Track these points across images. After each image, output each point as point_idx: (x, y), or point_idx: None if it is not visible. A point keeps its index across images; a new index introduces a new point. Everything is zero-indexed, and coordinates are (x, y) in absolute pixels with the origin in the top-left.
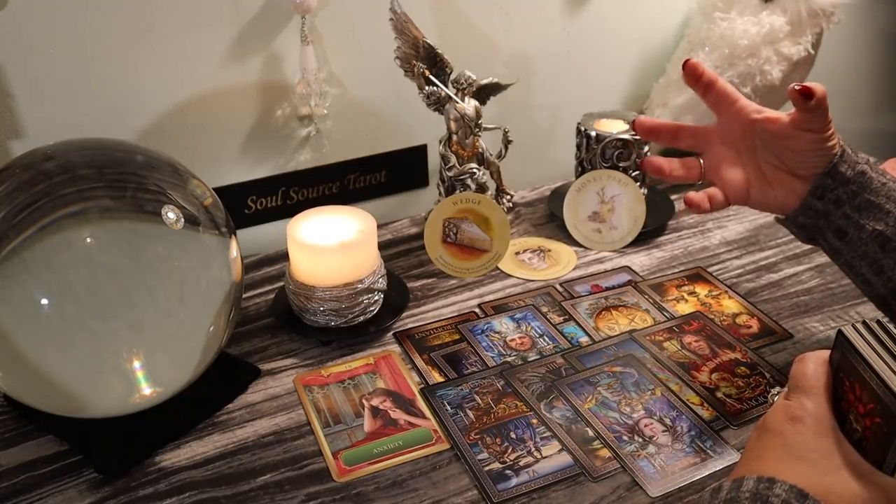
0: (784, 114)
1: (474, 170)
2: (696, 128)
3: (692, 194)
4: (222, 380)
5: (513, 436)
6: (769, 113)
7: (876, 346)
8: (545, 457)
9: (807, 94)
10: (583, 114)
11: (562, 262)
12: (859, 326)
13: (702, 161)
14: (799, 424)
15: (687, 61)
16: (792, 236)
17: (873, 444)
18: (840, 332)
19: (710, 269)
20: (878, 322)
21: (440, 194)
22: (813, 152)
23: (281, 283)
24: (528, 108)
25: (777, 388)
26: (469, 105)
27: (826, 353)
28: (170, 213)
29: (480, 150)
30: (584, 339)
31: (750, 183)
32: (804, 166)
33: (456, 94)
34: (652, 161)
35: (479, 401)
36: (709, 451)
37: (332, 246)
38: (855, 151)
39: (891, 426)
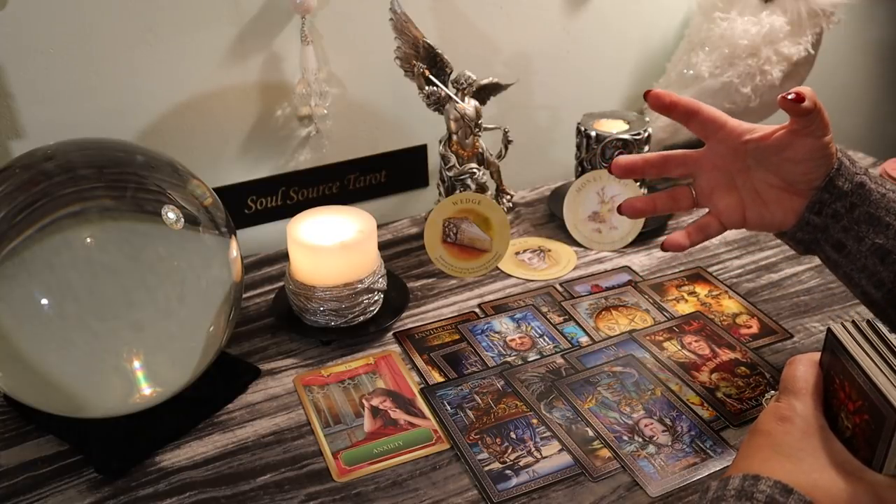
0: (777, 126)
1: (474, 170)
2: (685, 155)
3: (668, 239)
4: (222, 380)
5: (513, 436)
6: (762, 130)
7: (864, 345)
8: (545, 457)
9: (798, 98)
10: (583, 114)
11: (562, 262)
12: (848, 325)
13: (693, 190)
14: (787, 424)
15: (647, 92)
16: None
17: (862, 441)
18: (829, 331)
19: (710, 269)
20: (868, 322)
21: (440, 194)
22: (812, 161)
23: (281, 283)
24: (528, 108)
25: (771, 392)
26: (469, 105)
27: (817, 356)
28: (170, 213)
29: (480, 150)
30: (584, 339)
31: (745, 206)
32: (802, 178)
33: (456, 94)
34: (631, 205)
35: (479, 401)
36: (709, 451)
37: (332, 246)
38: (853, 161)
39: (878, 423)
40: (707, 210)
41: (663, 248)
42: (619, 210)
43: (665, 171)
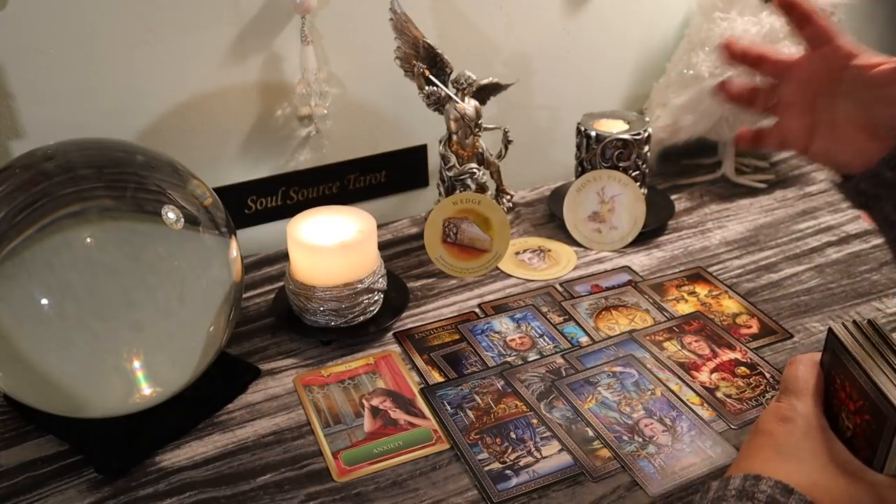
0: (887, 58)
1: (474, 170)
2: (779, 59)
3: (741, 133)
4: (222, 380)
5: (513, 436)
6: (868, 58)
7: (864, 345)
8: (545, 457)
9: None
10: (583, 114)
11: (562, 262)
12: (849, 325)
13: (772, 96)
14: (789, 424)
15: None
16: (792, 235)
17: (863, 441)
18: (830, 331)
19: (710, 269)
20: (869, 321)
21: (440, 194)
22: None
23: (281, 283)
24: (528, 108)
25: (772, 393)
26: (469, 105)
27: (817, 356)
28: (170, 213)
29: (480, 150)
30: (584, 339)
31: (815, 133)
32: (889, 123)
33: (456, 94)
34: (730, 86)
35: (479, 401)
36: (709, 451)
37: (332, 246)
38: None
39: (879, 423)
40: (774, 122)
41: (737, 142)
42: (722, 86)
43: (757, 66)
